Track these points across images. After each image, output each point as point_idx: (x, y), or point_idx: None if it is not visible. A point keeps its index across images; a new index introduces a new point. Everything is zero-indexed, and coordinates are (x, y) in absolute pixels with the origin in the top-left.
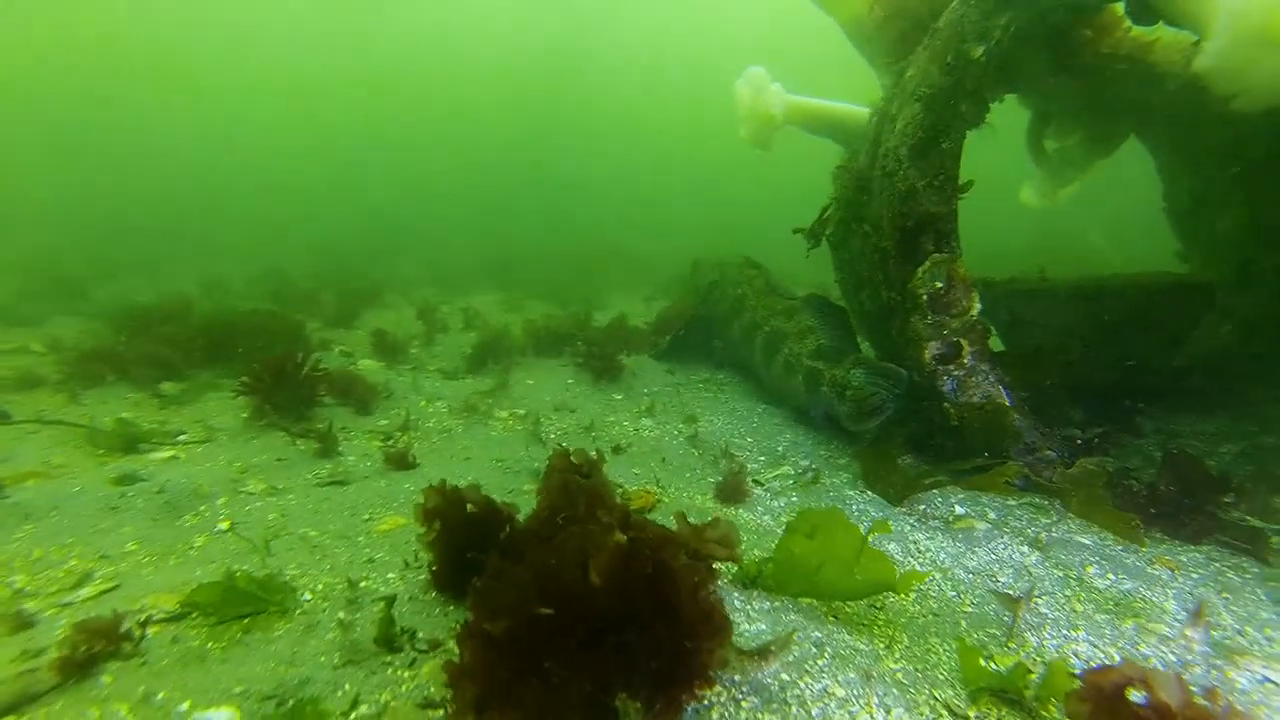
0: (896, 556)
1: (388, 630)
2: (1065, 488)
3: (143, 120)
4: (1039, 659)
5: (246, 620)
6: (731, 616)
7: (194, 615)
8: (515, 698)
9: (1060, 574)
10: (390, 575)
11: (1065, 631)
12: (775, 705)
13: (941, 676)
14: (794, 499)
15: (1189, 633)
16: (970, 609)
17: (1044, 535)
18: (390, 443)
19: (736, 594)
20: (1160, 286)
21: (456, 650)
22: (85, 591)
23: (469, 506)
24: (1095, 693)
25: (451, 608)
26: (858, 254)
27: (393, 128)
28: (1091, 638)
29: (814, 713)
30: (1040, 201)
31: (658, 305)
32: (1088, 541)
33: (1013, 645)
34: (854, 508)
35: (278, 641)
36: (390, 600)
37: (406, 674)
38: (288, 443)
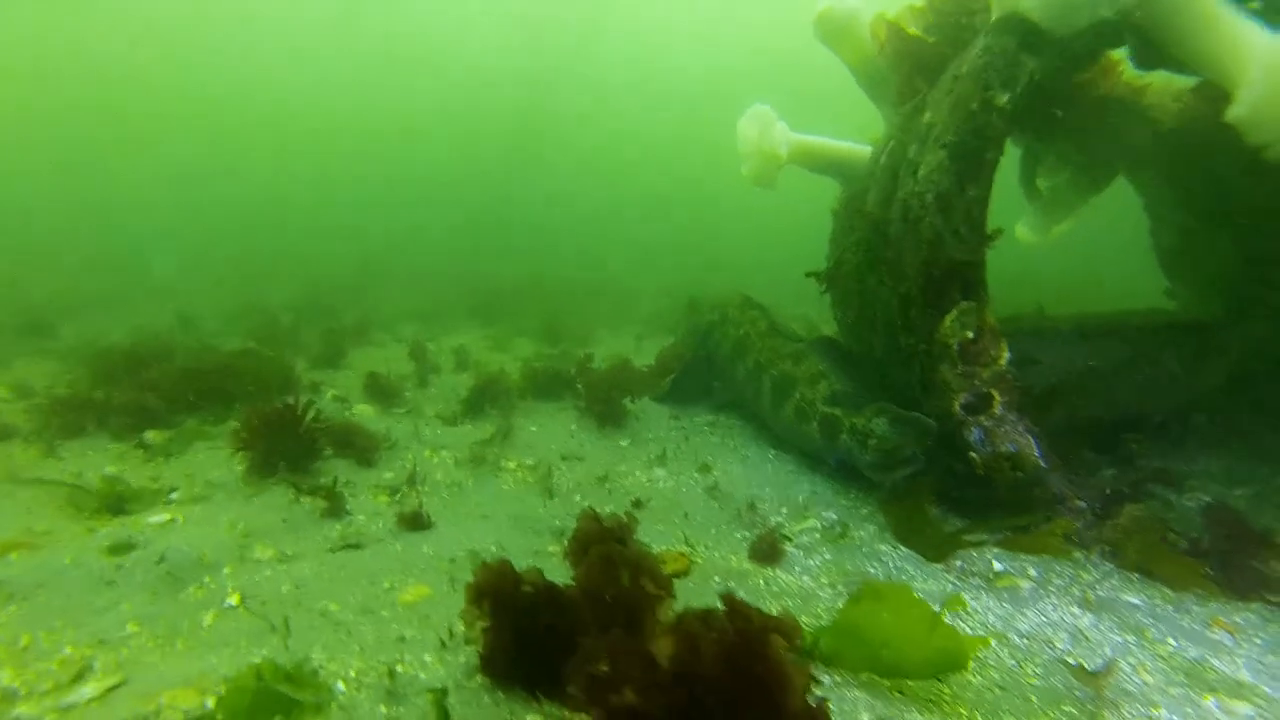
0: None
1: None
2: (1118, 539)
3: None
4: None
5: None
6: None
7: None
8: None
9: (1119, 639)
10: (426, 657)
11: (1146, 710)
12: None
13: None
14: (827, 556)
15: None
16: (1036, 681)
17: (1090, 594)
18: (398, 497)
19: None
20: (1159, 325)
21: None
22: (89, 690)
23: (524, 586)
24: None
25: (501, 695)
26: (872, 297)
27: (366, 161)
28: (1175, 717)
29: None
30: (1035, 238)
31: (650, 344)
32: (1136, 600)
33: None
34: (890, 564)
35: None
36: (442, 694)
37: None
38: (291, 500)
